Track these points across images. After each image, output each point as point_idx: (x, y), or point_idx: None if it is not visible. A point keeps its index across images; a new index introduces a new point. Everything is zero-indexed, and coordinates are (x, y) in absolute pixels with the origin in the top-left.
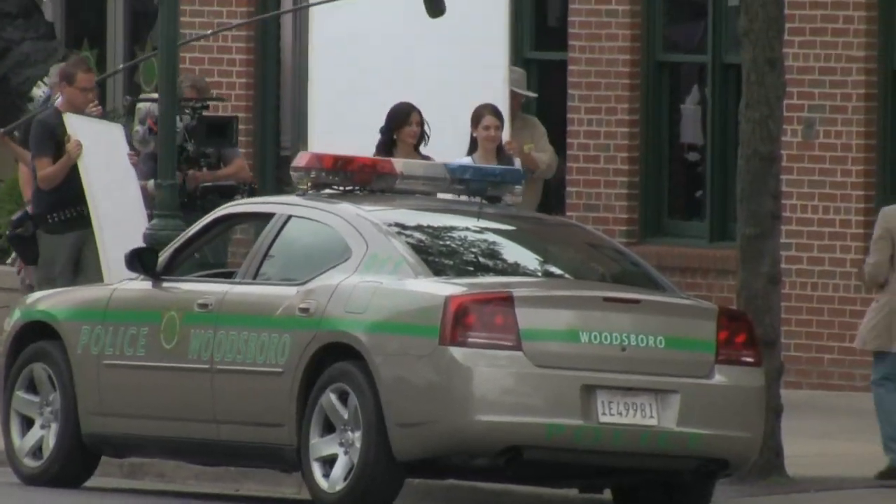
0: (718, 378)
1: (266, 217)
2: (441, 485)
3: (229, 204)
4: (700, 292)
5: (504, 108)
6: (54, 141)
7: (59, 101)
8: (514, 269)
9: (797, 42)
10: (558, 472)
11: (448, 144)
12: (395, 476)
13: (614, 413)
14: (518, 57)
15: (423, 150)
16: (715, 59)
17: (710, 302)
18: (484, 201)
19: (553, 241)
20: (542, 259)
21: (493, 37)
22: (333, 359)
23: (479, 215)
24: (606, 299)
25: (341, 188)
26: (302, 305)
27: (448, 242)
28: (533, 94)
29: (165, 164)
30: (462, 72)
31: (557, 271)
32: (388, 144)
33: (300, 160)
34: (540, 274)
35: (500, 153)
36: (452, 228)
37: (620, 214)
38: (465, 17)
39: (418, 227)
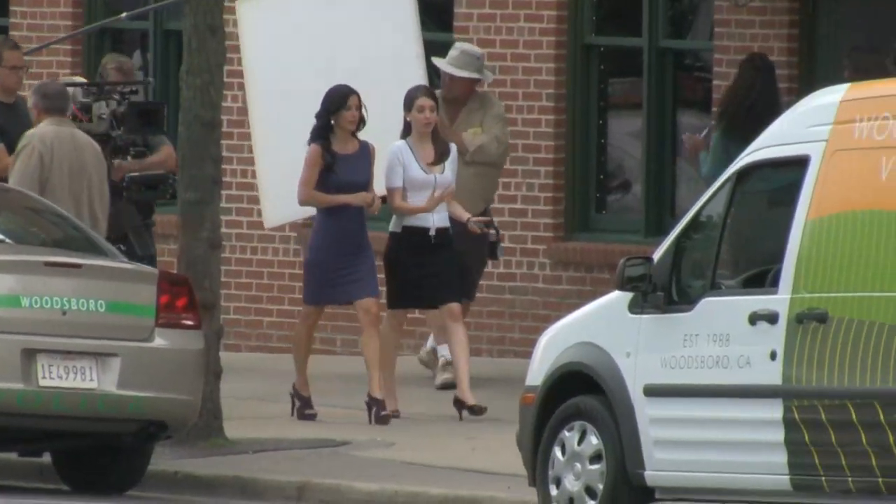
0: (159, 341)
1: None
2: None
3: None
4: None
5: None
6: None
7: None
8: None
9: None
10: None
11: (377, 129)
12: None
13: (54, 377)
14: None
15: (360, 135)
16: (157, 26)
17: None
18: None
19: None
20: None
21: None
22: None
23: None
24: (47, 264)
25: None
26: None
27: None
28: (489, 76)
29: None
30: (379, 59)
31: None
32: (324, 129)
33: None
34: None
35: (436, 136)
36: None
37: None
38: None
39: None
